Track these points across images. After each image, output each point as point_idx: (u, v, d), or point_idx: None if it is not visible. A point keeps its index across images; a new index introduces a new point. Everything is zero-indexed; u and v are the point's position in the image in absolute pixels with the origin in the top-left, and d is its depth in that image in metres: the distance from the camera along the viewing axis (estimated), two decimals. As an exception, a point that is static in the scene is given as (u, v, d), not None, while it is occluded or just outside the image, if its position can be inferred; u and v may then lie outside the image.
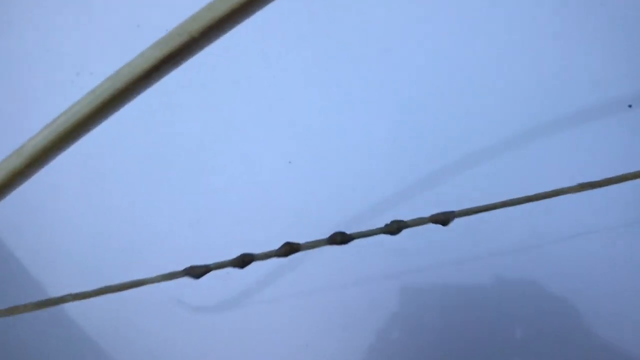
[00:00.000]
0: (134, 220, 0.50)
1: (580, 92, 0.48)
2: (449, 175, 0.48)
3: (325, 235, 0.45)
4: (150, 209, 0.50)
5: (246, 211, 0.49)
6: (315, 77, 0.50)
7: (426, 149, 0.49)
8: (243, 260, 0.21)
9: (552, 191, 0.20)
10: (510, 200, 0.21)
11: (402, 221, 0.22)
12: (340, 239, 0.22)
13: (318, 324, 0.48)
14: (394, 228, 0.22)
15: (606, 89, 0.48)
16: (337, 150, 0.49)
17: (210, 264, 0.21)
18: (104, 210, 0.50)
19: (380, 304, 0.48)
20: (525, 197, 0.20)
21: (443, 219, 0.21)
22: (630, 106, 0.47)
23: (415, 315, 0.48)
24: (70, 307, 0.46)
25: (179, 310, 0.49)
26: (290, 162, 0.49)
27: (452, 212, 0.21)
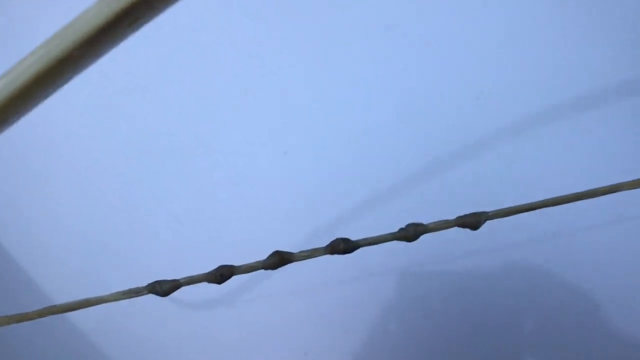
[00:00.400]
0: (120, 217, 0.48)
1: (580, 84, 0.44)
2: (460, 169, 0.45)
3: (324, 234, 0.41)
4: (135, 204, 0.47)
5: (236, 207, 0.46)
6: (312, 59, 0.46)
7: (435, 138, 0.45)
8: (221, 275, 0.17)
9: (609, 187, 0.16)
10: (553, 199, 0.17)
11: (420, 224, 0.17)
12: (343, 247, 0.17)
13: (316, 323, 0.47)
14: (411, 233, 0.17)
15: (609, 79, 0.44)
16: (337, 139, 0.46)
17: (180, 279, 0.17)
18: (88, 207, 0.48)
19: (381, 300, 0.46)
20: (575, 194, 0.16)
21: (472, 222, 0.17)
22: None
23: (418, 310, 0.46)
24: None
25: (174, 310, 0.47)
26: (285, 153, 0.46)
27: (484, 212, 0.17)
